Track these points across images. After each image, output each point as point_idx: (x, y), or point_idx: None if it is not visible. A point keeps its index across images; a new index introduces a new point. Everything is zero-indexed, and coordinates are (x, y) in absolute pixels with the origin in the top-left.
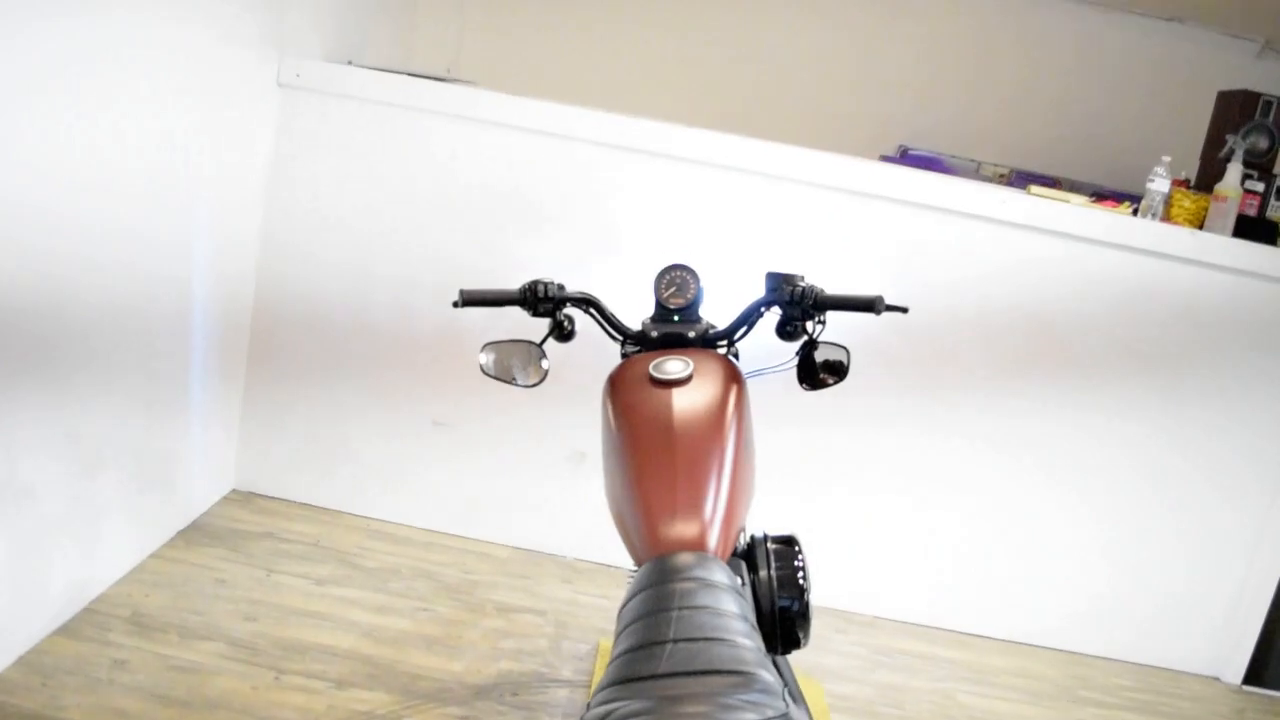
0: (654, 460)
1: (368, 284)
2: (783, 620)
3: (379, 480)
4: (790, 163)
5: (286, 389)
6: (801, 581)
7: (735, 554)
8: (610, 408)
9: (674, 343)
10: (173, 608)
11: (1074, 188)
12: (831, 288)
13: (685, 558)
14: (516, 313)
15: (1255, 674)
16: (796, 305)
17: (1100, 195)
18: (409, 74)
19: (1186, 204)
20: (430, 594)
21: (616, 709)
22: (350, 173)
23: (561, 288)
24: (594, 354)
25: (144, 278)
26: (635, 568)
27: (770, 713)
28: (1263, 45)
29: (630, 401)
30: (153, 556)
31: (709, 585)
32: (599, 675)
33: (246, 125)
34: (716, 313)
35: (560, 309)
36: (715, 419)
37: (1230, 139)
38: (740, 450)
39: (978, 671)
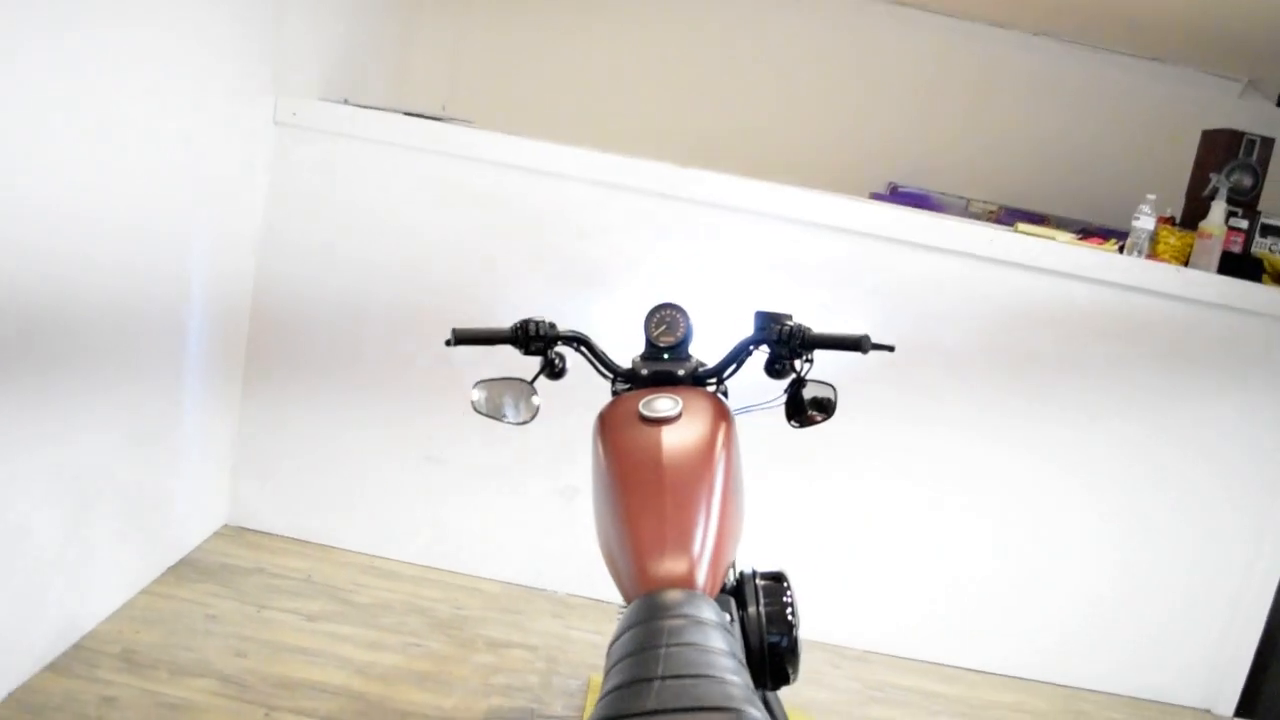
0: (643, 497)
1: (362, 320)
2: (772, 656)
3: (371, 515)
4: (781, 201)
5: (279, 424)
6: (790, 617)
7: (724, 590)
8: (600, 445)
9: (664, 380)
10: (163, 644)
11: (1062, 224)
12: (821, 326)
13: (674, 595)
14: (509, 350)
15: (1247, 706)
16: (785, 344)
17: (1087, 232)
18: (404, 112)
19: (1172, 241)
20: (422, 629)
21: None
22: (345, 210)
23: (553, 326)
24: (585, 391)
25: (137, 312)
26: (625, 604)
27: None
28: (1245, 84)
29: (620, 439)
30: (143, 592)
31: (697, 622)
32: (589, 711)
33: (242, 163)
34: (706, 351)
35: (551, 347)
36: (704, 456)
37: (1214, 177)
38: (729, 487)
39: (971, 706)
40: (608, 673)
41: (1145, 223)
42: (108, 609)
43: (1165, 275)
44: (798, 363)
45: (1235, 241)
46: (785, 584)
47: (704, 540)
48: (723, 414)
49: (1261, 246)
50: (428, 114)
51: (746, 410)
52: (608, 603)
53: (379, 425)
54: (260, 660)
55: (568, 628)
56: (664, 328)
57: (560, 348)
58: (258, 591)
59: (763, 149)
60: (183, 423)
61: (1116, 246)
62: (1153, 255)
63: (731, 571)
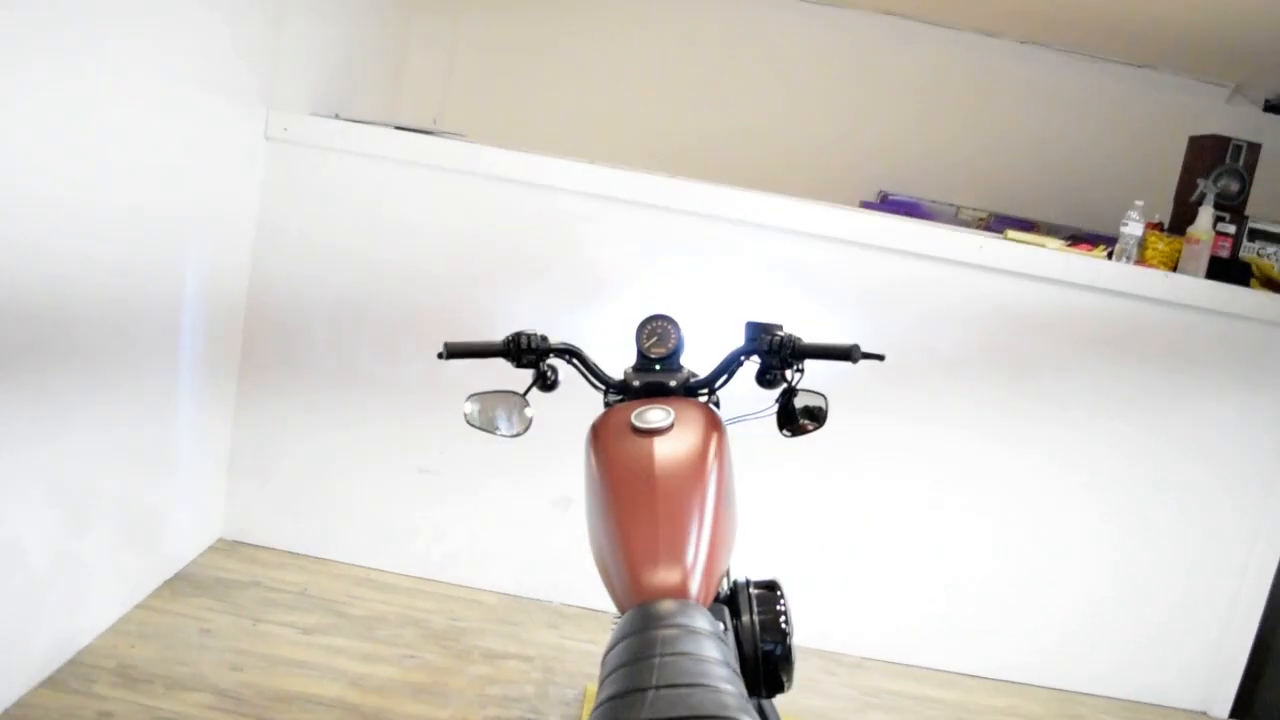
0: (636, 508)
1: (355, 334)
2: (766, 664)
3: (366, 528)
4: (771, 212)
5: (273, 438)
6: (784, 626)
7: (718, 599)
8: (593, 456)
9: (655, 391)
10: (159, 659)
11: (1052, 231)
12: (812, 335)
13: (667, 605)
14: (502, 362)
15: (1242, 707)
16: (775, 354)
17: (1077, 238)
18: (395, 127)
19: (1160, 246)
20: (417, 641)
21: None
22: (337, 223)
23: (544, 339)
24: (578, 403)
25: (131, 328)
26: (619, 614)
27: None
28: (1232, 90)
29: (612, 450)
30: (139, 607)
31: (691, 632)
32: None
33: (235, 178)
34: (697, 362)
35: (543, 360)
36: (696, 467)
37: (1201, 183)
38: (721, 497)
39: (967, 711)
40: (602, 683)
41: (1134, 228)
42: (103, 624)
43: (1154, 280)
44: (789, 373)
45: (1223, 246)
46: (779, 592)
47: (697, 550)
48: (714, 424)
49: (1249, 251)
50: (419, 128)
51: (738, 420)
52: (603, 612)
53: (373, 438)
54: (256, 674)
55: (563, 638)
56: (655, 339)
57: (552, 360)
58: (253, 605)
59: (754, 157)
60: (177, 438)
61: (1105, 253)
62: (1141, 261)
63: (725, 580)
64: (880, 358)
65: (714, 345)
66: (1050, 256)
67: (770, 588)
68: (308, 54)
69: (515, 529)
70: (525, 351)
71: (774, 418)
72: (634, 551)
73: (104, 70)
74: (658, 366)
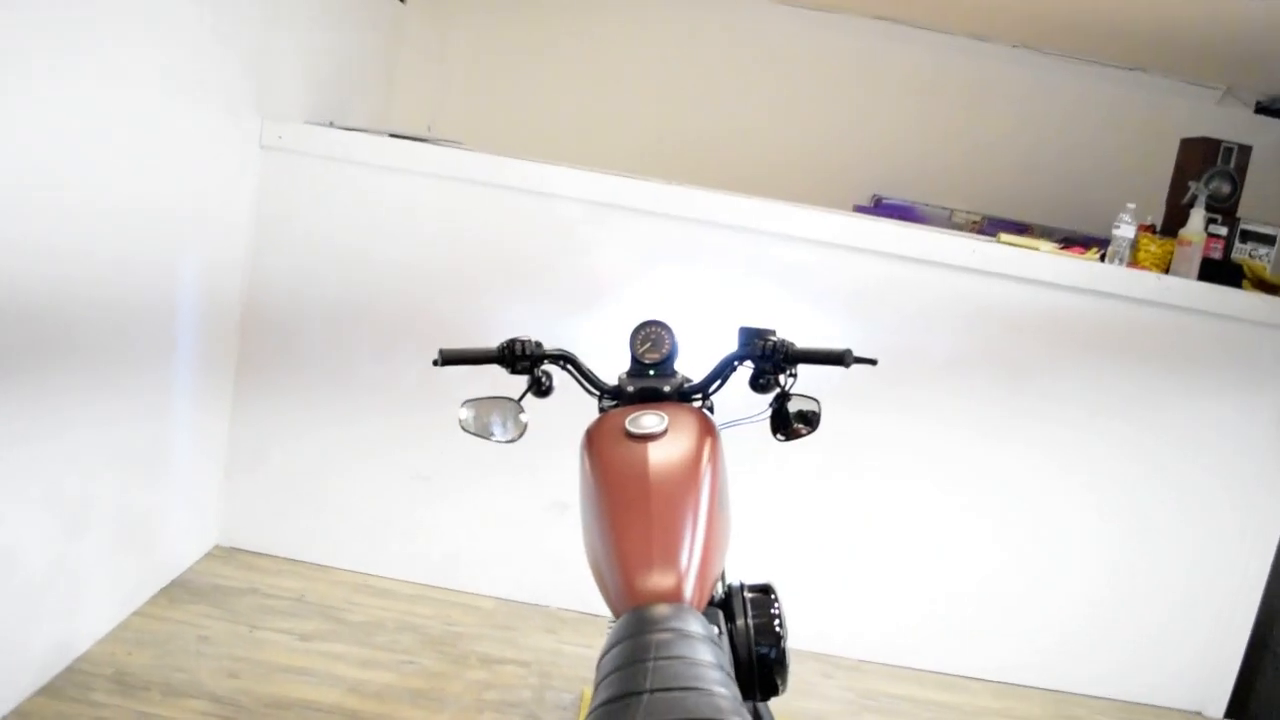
0: (630, 513)
1: (350, 341)
2: (761, 668)
3: (363, 534)
4: (764, 217)
5: (270, 444)
6: (778, 629)
7: (712, 603)
8: (587, 462)
9: (649, 397)
10: (155, 666)
11: (1045, 233)
12: (805, 340)
13: (661, 609)
14: (497, 368)
15: (1237, 708)
16: (768, 359)
17: (1070, 241)
18: (389, 134)
19: (1153, 249)
20: (414, 647)
21: None
22: (332, 230)
23: (539, 345)
24: (574, 408)
25: (126, 334)
26: (614, 619)
27: None
28: (1224, 93)
29: (607, 455)
30: (135, 614)
31: (685, 636)
32: None
33: (229, 186)
34: (691, 367)
35: (538, 366)
36: (690, 472)
37: (1193, 185)
38: (715, 502)
39: (964, 713)
40: (597, 687)
41: (1126, 231)
42: (100, 631)
43: (1146, 282)
44: (782, 377)
45: (1215, 248)
46: (773, 596)
47: (691, 554)
48: (708, 429)
49: (1241, 252)
50: (414, 135)
51: (732, 425)
52: (600, 617)
53: (369, 444)
54: (253, 680)
55: (560, 642)
56: (649, 345)
57: (547, 366)
58: (250, 612)
59: (749, 161)
60: (174, 444)
61: (1098, 255)
62: (1134, 263)
63: (720, 584)
64: (873, 362)
65: (708, 350)
66: (1043, 259)
67: (765, 591)
68: (302, 62)
69: (512, 534)
70: (520, 358)
71: (767, 422)
72: (628, 556)
73: (98, 78)
74: (652, 372)
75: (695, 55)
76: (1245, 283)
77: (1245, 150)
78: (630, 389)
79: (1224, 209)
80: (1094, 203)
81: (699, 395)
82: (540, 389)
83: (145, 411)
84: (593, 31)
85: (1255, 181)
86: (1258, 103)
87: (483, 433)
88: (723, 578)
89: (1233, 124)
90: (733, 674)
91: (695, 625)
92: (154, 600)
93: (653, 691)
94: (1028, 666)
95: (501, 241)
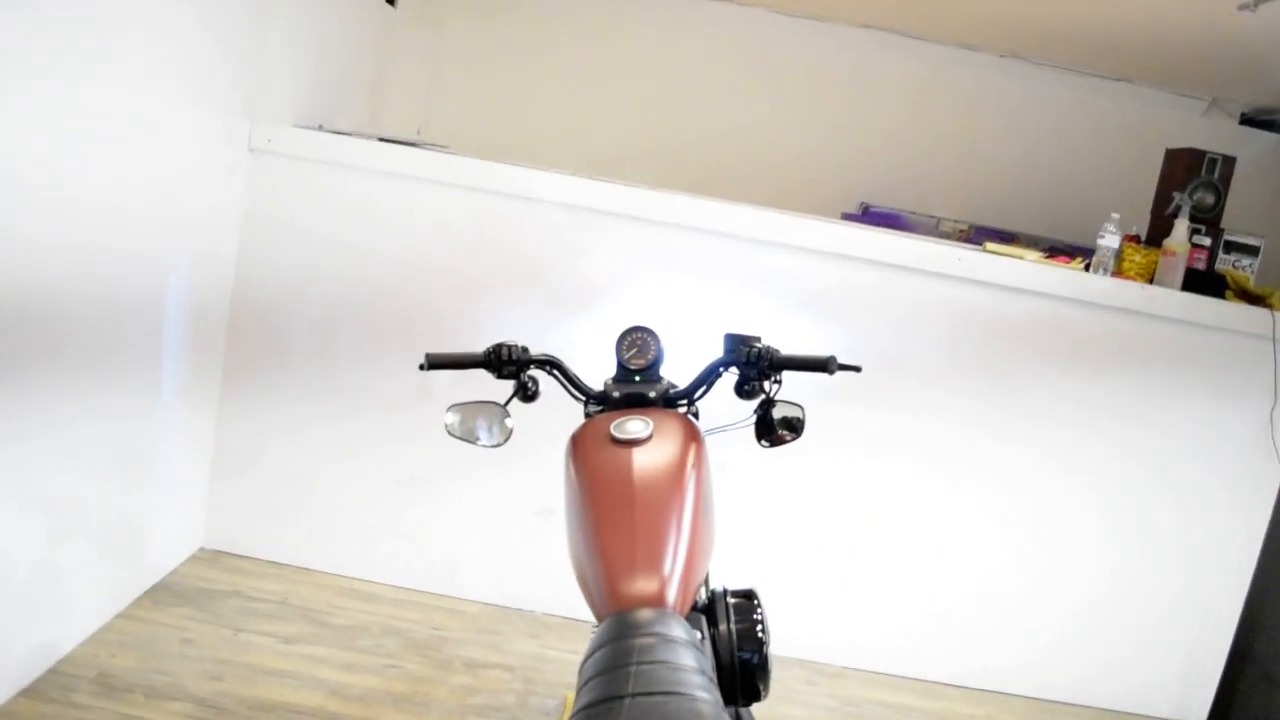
0: (614, 518)
1: (337, 344)
2: (743, 673)
3: (348, 538)
4: (752, 224)
5: (256, 447)
6: (761, 635)
7: (695, 608)
8: (572, 466)
9: (635, 402)
10: (139, 668)
11: (1031, 243)
12: (791, 346)
13: (644, 614)
14: (484, 372)
15: (1218, 716)
16: (753, 365)
17: (1055, 250)
18: (379, 138)
19: (1137, 259)
20: (399, 651)
21: None
22: (321, 234)
23: (525, 350)
24: (561, 414)
25: (112, 337)
26: (597, 623)
27: None
28: (1209, 104)
29: (592, 460)
30: (119, 616)
31: (667, 640)
32: None
33: (218, 189)
34: (677, 372)
35: (524, 371)
36: (674, 477)
37: (1177, 195)
38: (699, 507)
39: None
40: (579, 691)
41: (1110, 241)
42: (83, 633)
43: (1130, 292)
44: (767, 384)
45: (1199, 258)
46: (756, 601)
47: (674, 559)
48: (693, 435)
49: (1225, 263)
50: (402, 139)
51: (717, 431)
52: (585, 622)
53: (355, 448)
54: (237, 683)
55: (545, 648)
56: (635, 350)
57: (533, 371)
58: (234, 615)
59: (738, 168)
60: (159, 447)
61: (1083, 264)
62: (1118, 273)
63: (703, 589)
64: (857, 369)
65: (694, 356)
66: (1028, 268)
67: (748, 597)
68: (291, 65)
69: (498, 539)
70: (506, 363)
71: (752, 428)
72: (612, 560)
73: (87, 79)
74: (637, 378)
75: (685, 62)
76: (1229, 293)
77: (1230, 161)
78: (616, 394)
79: (1208, 219)
80: (1080, 212)
81: (684, 401)
82: (526, 394)
83: (131, 413)
84: (583, 37)
85: (1239, 192)
86: (1243, 114)
87: (468, 437)
88: (706, 583)
89: (1218, 135)
90: (715, 679)
91: (678, 630)
92: (138, 602)
93: (635, 696)
94: (1010, 674)
95: (489, 246)
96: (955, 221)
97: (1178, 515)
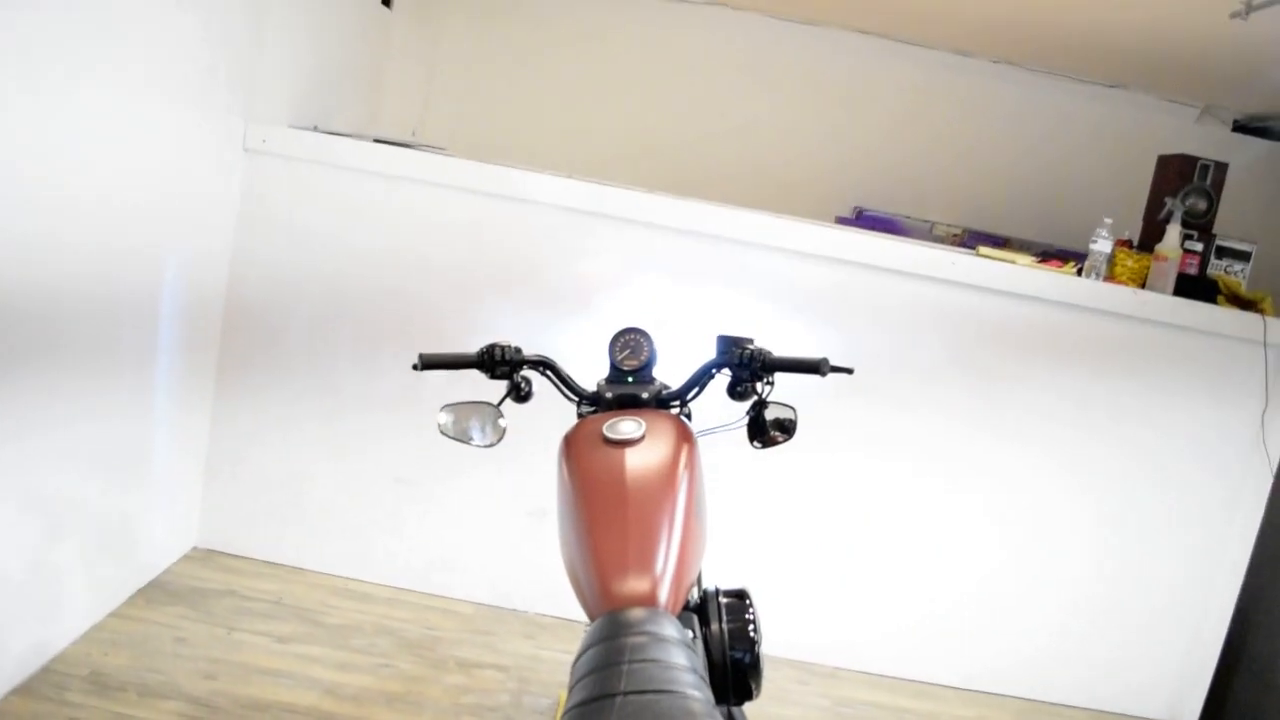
0: (606, 518)
1: (331, 344)
2: (735, 672)
3: (342, 537)
4: (746, 227)
5: (250, 447)
6: (752, 634)
7: (688, 608)
8: (565, 467)
9: (628, 403)
10: (132, 667)
11: (1024, 247)
12: (784, 349)
13: (636, 613)
14: (478, 373)
15: (1211, 716)
16: (746, 367)
17: (1048, 255)
18: (373, 139)
19: (1129, 263)
20: (392, 650)
21: None
22: (315, 234)
23: (518, 350)
24: (555, 414)
25: (107, 336)
26: (590, 622)
27: None
28: (1202, 111)
29: (584, 461)
30: (112, 615)
31: (659, 639)
32: None
33: (213, 189)
34: (670, 374)
35: (517, 371)
36: (667, 478)
37: (1169, 201)
38: (691, 508)
39: None
40: (571, 690)
41: (1103, 245)
42: (76, 632)
43: (1122, 297)
44: (759, 385)
45: (1191, 264)
46: (747, 601)
47: (666, 559)
48: (685, 436)
49: (1217, 268)
50: (398, 140)
51: (709, 432)
52: (578, 623)
53: (349, 448)
54: (230, 682)
55: (538, 648)
56: (628, 351)
57: (526, 371)
58: (228, 614)
59: (733, 172)
60: (153, 446)
61: (1075, 269)
62: (1110, 277)
63: (695, 589)
64: (849, 371)
65: (687, 358)
66: (1021, 272)
67: (739, 596)
68: (287, 66)
69: (491, 539)
70: (499, 363)
71: (745, 430)
72: (604, 560)
73: (82, 79)
74: (630, 379)
75: (681, 66)
76: (1220, 298)
77: (1222, 167)
78: (609, 395)
79: (1200, 225)
80: (1073, 217)
81: (677, 402)
82: (519, 394)
83: (125, 413)
84: (580, 40)
85: (1231, 198)
86: (1235, 121)
87: (462, 437)
88: (698, 583)
89: (1211, 141)
90: (707, 678)
91: (670, 629)
92: (131, 601)
93: (626, 694)
94: (1002, 675)
95: (483, 247)
96: (949, 226)
97: (1171, 517)
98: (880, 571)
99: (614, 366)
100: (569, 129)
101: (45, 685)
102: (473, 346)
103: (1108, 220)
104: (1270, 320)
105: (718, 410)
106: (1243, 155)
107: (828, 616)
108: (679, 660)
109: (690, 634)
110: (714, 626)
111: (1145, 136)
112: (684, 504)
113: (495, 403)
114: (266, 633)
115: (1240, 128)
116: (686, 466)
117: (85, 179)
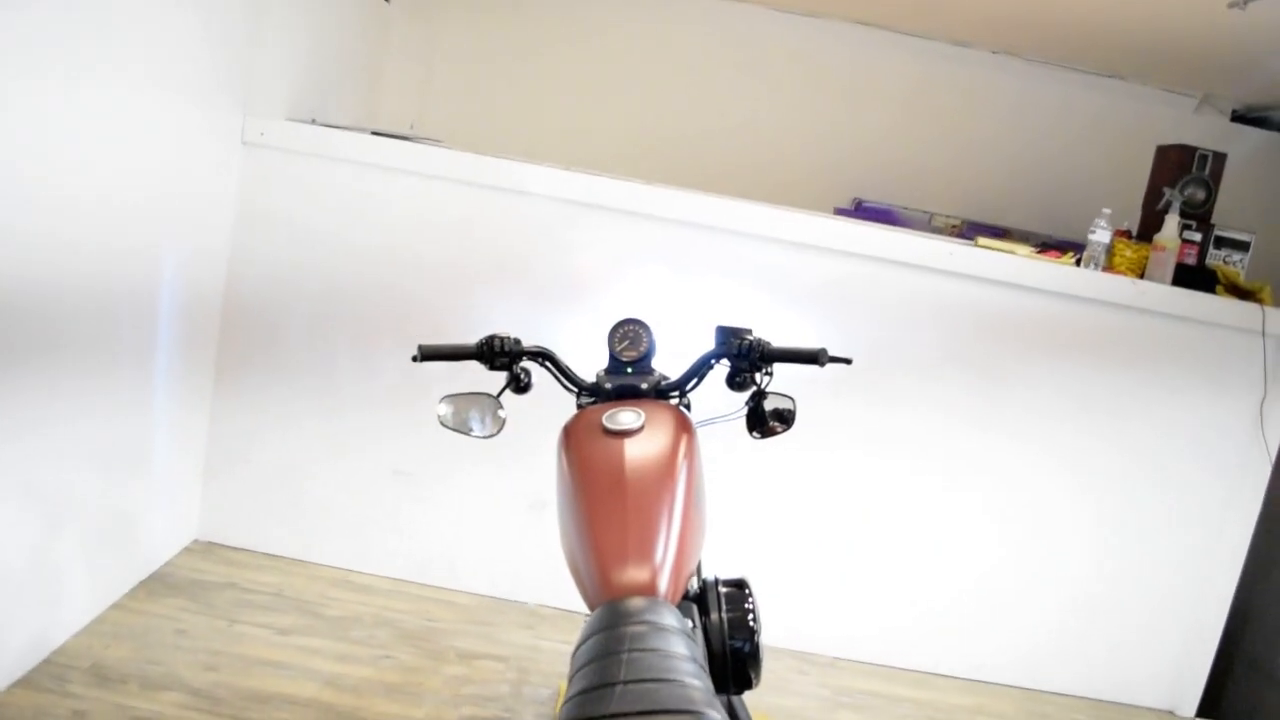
0: (606, 508)
1: (331, 337)
2: (735, 661)
3: (342, 529)
4: (745, 218)
5: (249, 439)
6: (752, 623)
7: (687, 597)
8: (565, 457)
9: (627, 394)
10: (133, 658)
11: (1023, 238)
12: (783, 340)
13: (636, 602)
14: (478, 365)
15: (1209, 706)
16: (744, 358)
17: (1046, 245)
18: (372, 132)
19: (1128, 254)
20: (392, 642)
21: None
22: (314, 227)
23: (518, 342)
24: (554, 405)
25: (106, 330)
26: (590, 612)
27: None
28: (1200, 101)
29: (584, 451)
30: (113, 608)
31: (659, 628)
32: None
33: (211, 182)
34: (669, 365)
35: (516, 362)
36: (666, 468)
37: (1168, 191)
38: (690, 498)
39: (938, 710)
40: (572, 678)
41: (1101, 236)
42: (78, 624)
43: (1121, 287)
44: (758, 376)
45: (1189, 254)
46: (747, 590)
47: (665, 549)
48: (684, 426)
49: (1215, 258)
50: (396, 133)
51: (708, 423)
52: (578, 613)
53: (349, 440)
54: (231, 674)
55: (538, 638)
56: (627, 342)
57: (525, 363)
58: (228, 606)
59: (731, 164)
60: (153, 439)
61: (1074, 259)
62: (1109, 268)
63: (695, 579)
64: (848, 361)
65: (686, 349)
66: (1019, 263)
67: (739, 586)
68: (285, 59)
69: (491, 530)
70: (499, 354)
71: (743, 420)
72: (604, 550)
73: (79, 71)
74: (629, 369)
75: (679, 57)
76: (1219, 288)
77: (1220, 157)
78: (608, 386)
79: (1199, 215)
80: (1072, 208)
81: (676, 393)
82: (519, 385)
83: (125, 405)
84: (577, 33)
85: (1230, 188)
86: (1234, 111)
87: (461, 428)
88: (698, 572)
89: (1209, 132)
90: (706, 667)
91: (669, 618)
92: (132, 594)
93: (626, 683)
94: (1001, 665)
95: (482, 239)
96: (948, 217)
97: (1169, 509)
98: (880, 565)
99: (613, 357)
100: (567, 124)
101: (47, 677)
102: (472, 338)
103: (1106, 210)
104: (1269, 310)
105: (717, 401)
106: (1241, 145)
107: (828, 608)
108: (678, 649)
109: (690, 623)
110: (713, 616)
111: (1144, 127)
112: (683, 494)
113: (495, 394)
114: (267, 624)
115: (1239, 118)
116: (686, 457)
117: (85, 177)
